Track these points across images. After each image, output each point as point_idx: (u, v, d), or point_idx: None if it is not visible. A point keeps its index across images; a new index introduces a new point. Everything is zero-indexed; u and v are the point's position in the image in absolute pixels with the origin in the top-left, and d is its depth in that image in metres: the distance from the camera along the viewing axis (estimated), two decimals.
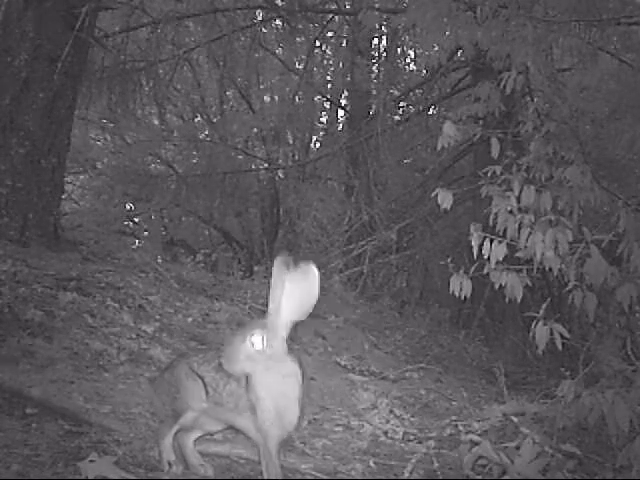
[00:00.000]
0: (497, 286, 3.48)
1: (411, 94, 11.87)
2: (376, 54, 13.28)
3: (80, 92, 7.06)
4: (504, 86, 4.35)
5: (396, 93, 11.87)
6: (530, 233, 3.37)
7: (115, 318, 4.64)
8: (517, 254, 3.47)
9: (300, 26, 9.92)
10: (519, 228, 3.44)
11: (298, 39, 11.47)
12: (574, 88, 6.79)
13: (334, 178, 12.00)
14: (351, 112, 12.46)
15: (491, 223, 3.56)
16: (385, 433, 3.77)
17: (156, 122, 13.08)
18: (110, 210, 12.38)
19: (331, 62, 13.25)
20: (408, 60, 13.28)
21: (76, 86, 6.59)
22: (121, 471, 2.51)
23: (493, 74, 4.93)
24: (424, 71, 11.98)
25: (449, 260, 3.60)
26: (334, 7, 10.57)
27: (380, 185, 10.25)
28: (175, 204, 11.62)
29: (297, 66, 12.25)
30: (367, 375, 5.18)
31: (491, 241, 3.45)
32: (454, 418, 4.02)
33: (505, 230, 3.49)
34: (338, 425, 3.85)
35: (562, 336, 3.10)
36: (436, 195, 3.74)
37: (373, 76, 12.74)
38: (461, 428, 3.75)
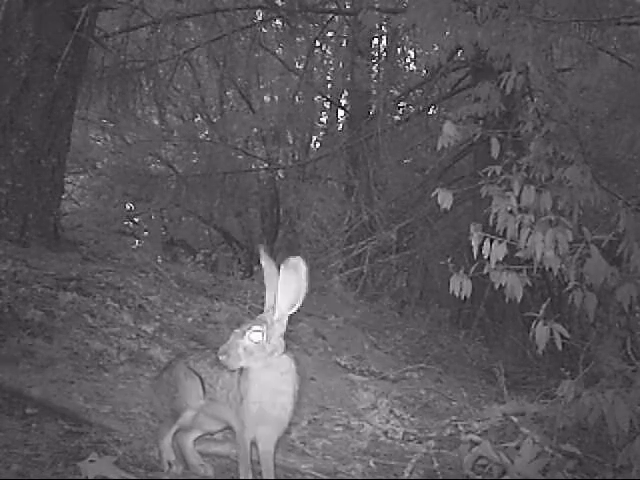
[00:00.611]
0: (497, 286, 3.49)
1: (411, 94, 11.87)
2: (376, 54, 13.28)
3: (80, 92, 7.06)
4: (504, 86, 4.35)
5: (396, 93, 11.88)
6: (530, 233, 3.37)
7: (115, 318, 4.64)
8: (517, 254, 3.47)
9: (300, 26, 9.92)
10: (519, 228, 3.44)
11: (298, 39, 11.47)
12: (574, 88, 6.79)
13: (334, 178, 12.00)
14: (351, 112, 12.46)
15: (491, 223, 3.57)
16: (385, 433, 3.77)
17: (156, 122, 13.08)
18: (110, 210, 12.37)
19: (331, 62, 13.25)
20: (408, 60, 13.29)
21: (76, 86, 6.59)
22: (121, 471, 2.51)
23: (493, 74, 4.93)
24: (424, 71, 11.99)
25: (449, 260, 3.60)
26: (334, 7, 10.57)
27: (380, 185, 10.25)
28: (175, 204, 11.61)
29: (297, 66, 12.24)
30: (367, 375, 5.18)
31: (491, 241, 3.45)
32: (454, 418, 4.02)
33: (505, 230, 3.49)
34: (338, 425, 3.85)
35: (562, 336, 3.10)
36: (436, 195, 3.74)
37: (373, 76, 12.74)
38: (461, 428, 3.75)
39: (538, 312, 3.13)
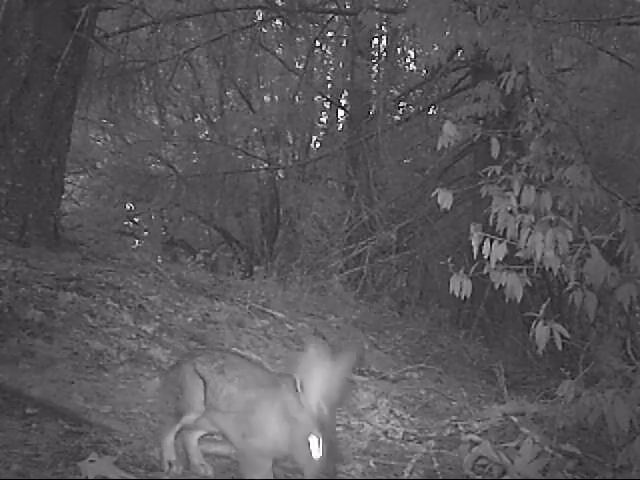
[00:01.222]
0: (497, 286, 3.48)
1: (411, 94, 11.88)
2: (376, 54, 13.29)
3: (80, 92, 7.05)
4: (504, 86, 4.35)
5: (396, 93, 11.89)
6: (530, 233, 3.37)
7: (115, 318, 4.63)
8: (517, 254, 3.47)
9: (300, 26, 9.93)
10: (519, 228, 3.43)
11: (298, 39, 11.49)
12: (574, 88, 6.80)
13: (334, 178, 12.01)
14: (351, 112, 12.46)
15: (491, 223, 3.56)
16: (385, 433, 3.77)
17: (156, 122, 13.09)
18: (110, 210, 12.36)
19: (331, 62, 13.26)
20: (408, 60, 13.31)
21: (76, 86, 6.58)
22: (121, 471, 2.51)
23: (493, 74, 4.93)
24: (424, 71, 11.98)
25: (449, 260, 3.59)
26: (334, 7, 10.58)
27: (380, 185, 10.25)
28: (175, 204, 11.62)
29: (297, 66, 12.24)
30: (367, 375, 5.18)
31: (491, 241, 3.45)
32: (454, 418, 4.02)
33: (505, 230, 3.49)
34: (338, 425, 3.84)
35: (562, 336, 3.10)
36: (436, 195, 3.73)
37: (373, 76, 12.75)
38: (461, 428, 3.75)
39: (538, 312, 3.13)
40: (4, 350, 3.69)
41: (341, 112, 13.52)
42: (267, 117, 12.29)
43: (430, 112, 11.34)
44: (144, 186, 11.43)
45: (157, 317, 4.98)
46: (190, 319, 5.21)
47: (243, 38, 10.19)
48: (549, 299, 3.86)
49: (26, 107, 6.04)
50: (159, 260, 9.53)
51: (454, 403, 4.80)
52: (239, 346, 4.87)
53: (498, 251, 3.42)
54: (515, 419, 3.58)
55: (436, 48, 6.90)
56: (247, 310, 5.79)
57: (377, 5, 10.09)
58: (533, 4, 5.38)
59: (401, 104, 12.06)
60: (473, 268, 3.48)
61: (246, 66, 10.80)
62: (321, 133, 13.88)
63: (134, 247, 12.92)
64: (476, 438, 3.26)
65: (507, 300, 3.53)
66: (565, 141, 4.33)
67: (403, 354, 6.43)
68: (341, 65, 12.62)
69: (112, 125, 12.18)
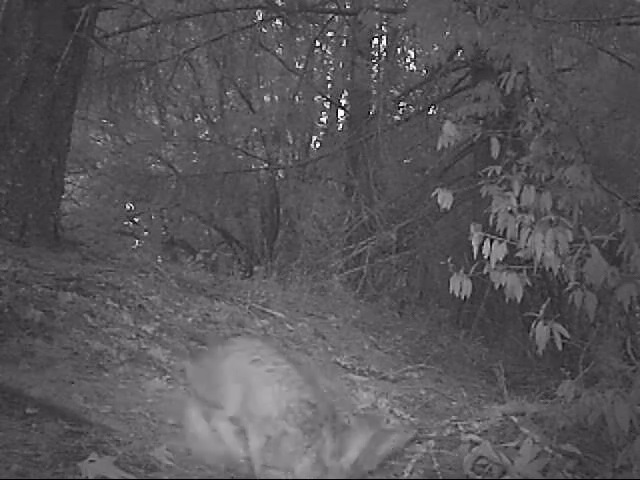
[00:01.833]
0: (497, 286, 3.48)
1: (411, 94, 11.88)
2: (376, 54, 13.28)
3: (80, 92, 7.04)
4: (504, 86, 4.34)
5: (396, 93, 11.88)
6: (530, 233, 3.37)
7: (115, 318, 4.63)
8: (517, 254, 3.47)
9: (300, 26, 9.93)
10: (519, 228, 3.43)
11: (298, 39, 11.48)
12: (574, 88, 6.81)
13: (334, 178, 12.00)
14: (351, 112, 12.45)
15: (491, 223, 3.57)
16: None
17: (156, 122, 13.09)
18: (110, 210, 12.36)
19: (331, 62, 13.25)
20: (408, 60, 13.31)
21: (76, 86, 6.58)
22: (121, 471, 2.51)
23: (493, 74, 4.94)
24: (424, 71, 11.99)
25: (449, 260, 3.60)
26: (334, 7, 10.57)
27: (380, 185, 10.25)
28: (175, 204, 11.61)
29: (297, 66, 12.24)
30: (367, 375, 5.18)
31: (491, 241, 3.45)
32: (454, 418, 4.02)
33: (505, 230, 3.49)
34: None
35: (562, 336, 3.10)
36: (436, 195, 3.73)
37: (373, 76, 12.74)
38: (461, 428, 3.74)
39: (538, 312, 3.13)
40: (4, 350, 3.69)
41: (341, 112, 13.52)
42: (267, 117, 12.29)
43: (430, 112, 11.35)
44: (144, 186, 11.43)
45: (157, 317, 4.98)
46: (190, 319, 5.21)
47: (243, 38, 10.19)
48: (549, 299, 3.86)
49: (26, 107, 6.04)
50: (159, 260, 9.52)
51: (454, 403, 4.79)
52: None
53: (498, 251, 3.42)
54: (515, 419, 3.57)
55: (436, 48, 6.90)
56: (247, 310, 5.79)
57: (377, 5, 10.08)
58: (533, 4, 5.39)
59: (401, 104, 12.05)
60: (473, 268, 3.49)
61: (246, 66, 10.80)
62: (321, 133, 13.88)
63: (134, 247, 12.90)
64: (476, 438, 3.26)
65: (507, 300, 3.53)
66: (565, 141, 4.32)
67: (403, 354, 6.43)
68: (341, 65, 12.61)
69: (112, 125, 12.17)
